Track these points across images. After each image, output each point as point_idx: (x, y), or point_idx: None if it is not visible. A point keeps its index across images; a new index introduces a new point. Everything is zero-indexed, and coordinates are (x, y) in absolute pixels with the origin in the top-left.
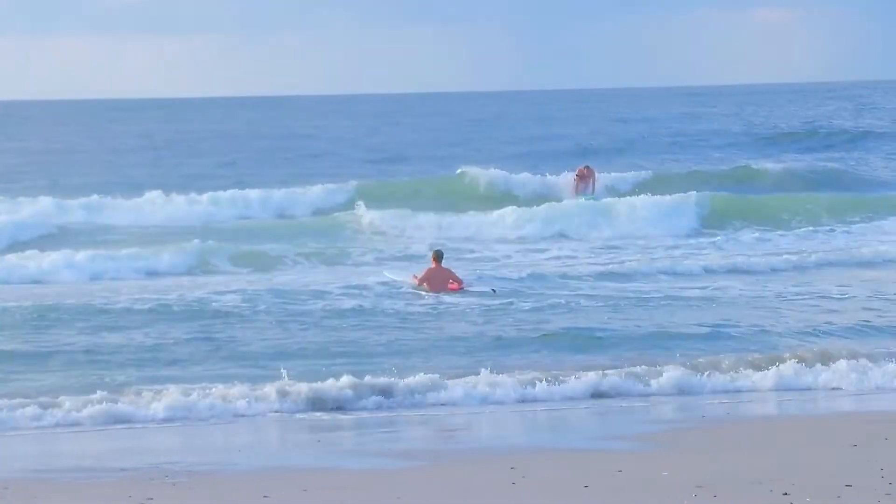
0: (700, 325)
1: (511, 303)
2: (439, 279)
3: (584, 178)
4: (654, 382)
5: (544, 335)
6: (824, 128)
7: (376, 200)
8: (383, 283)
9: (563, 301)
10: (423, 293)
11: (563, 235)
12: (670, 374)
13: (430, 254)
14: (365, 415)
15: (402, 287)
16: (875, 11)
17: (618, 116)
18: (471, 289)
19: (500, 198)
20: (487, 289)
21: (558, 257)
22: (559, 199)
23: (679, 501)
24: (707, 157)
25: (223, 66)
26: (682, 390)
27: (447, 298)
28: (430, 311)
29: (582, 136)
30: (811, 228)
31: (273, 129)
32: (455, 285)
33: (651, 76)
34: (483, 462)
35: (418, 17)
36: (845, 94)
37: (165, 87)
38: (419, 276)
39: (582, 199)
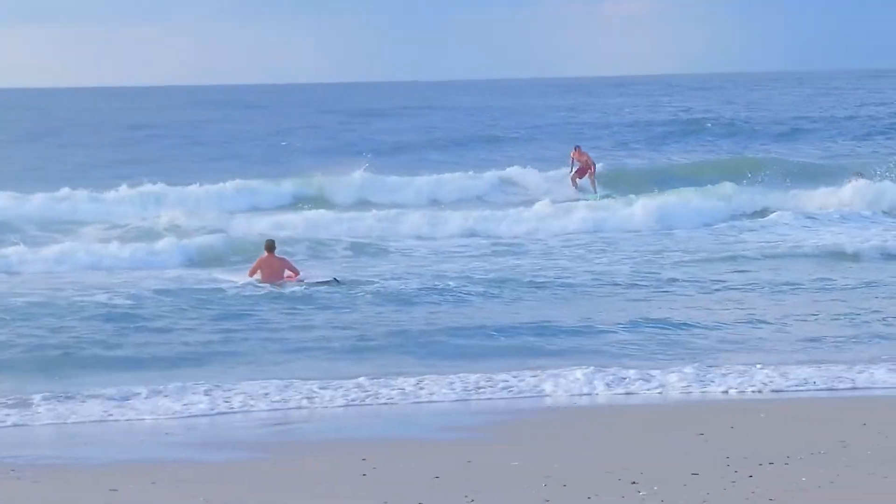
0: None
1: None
2: (272, 269)
3: (583, 169)
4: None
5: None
6: (710, 119)
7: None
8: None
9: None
10: (257, 284)
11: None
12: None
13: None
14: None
15: (237, 284)
16: (725, 5)
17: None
18: (310, 280)
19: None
20: (329, 278)
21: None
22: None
23: (529, 491)
24: (610, 148)
25: (82, 56)
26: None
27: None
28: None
29: (459, 127)
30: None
31: (152, 120)
32: (292, 276)
33: (511, 68)
34: (334, 454)
35: (281, 8)
36: (706, 86)
37: (17, 77)
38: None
39: (589, 199)
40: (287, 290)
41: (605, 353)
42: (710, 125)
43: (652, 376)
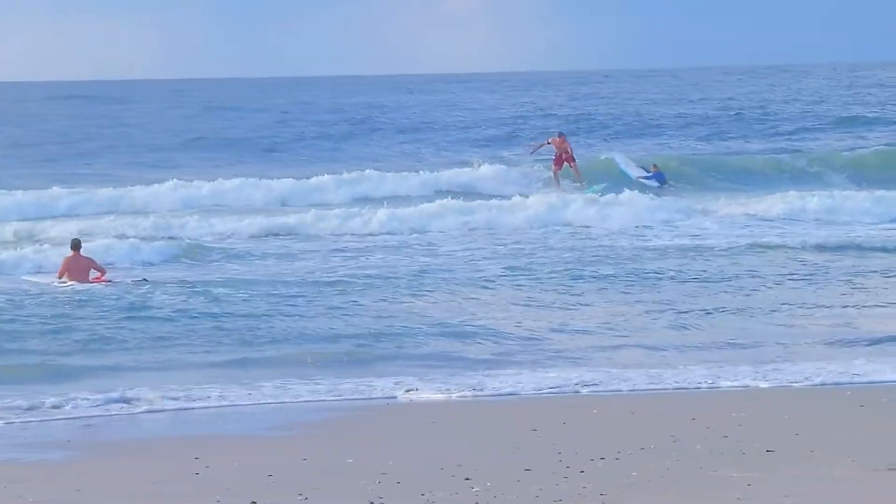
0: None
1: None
2: (78, 268)
3: (559, 158)
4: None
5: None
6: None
7: None
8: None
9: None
10: (66, 284)
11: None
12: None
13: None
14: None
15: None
16: (560, 3)
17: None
18: (117, 281)
19: None
20: (139, 279)
21: None
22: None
23: (363, 488)
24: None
25: None
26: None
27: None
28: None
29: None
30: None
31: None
32: (99, 276)
33: (347, 66)
34: (167, 453)
35: (111, 3)
36: (548, 82)
37: None
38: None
39: (586, 193)
40: (111, 291)
41: (436, 354)
42: (575, 122)
43: (487, 374)
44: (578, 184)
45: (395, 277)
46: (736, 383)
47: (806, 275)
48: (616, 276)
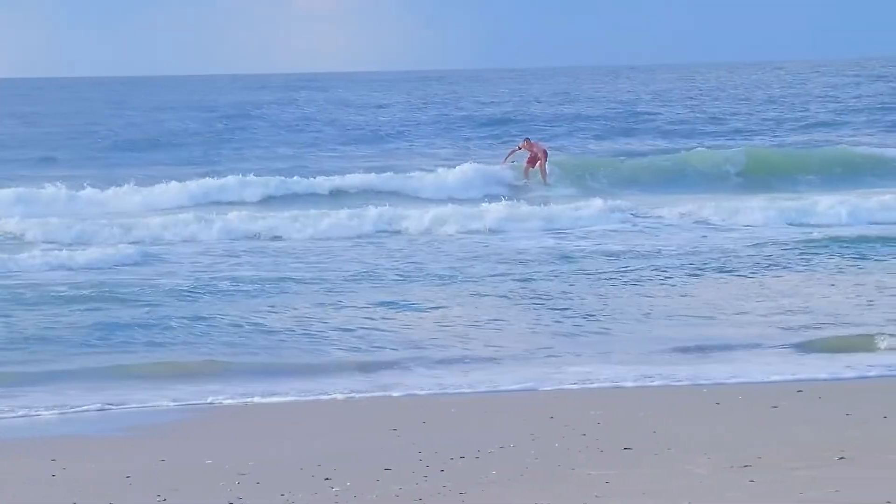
0: None
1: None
2: None
3: (533, 157)
4: None
5: None
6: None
7: None
8: None
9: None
10: None
11: None
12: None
13: None
14: None
15: None
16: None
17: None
18: None
19: None
20: None
21: None
22: None
23: (223, 489)
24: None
25: None
26: None
27: None
28: None
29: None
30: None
31: None
32: None
33: (202, 65)
34: (21, 455)
35: None
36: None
37: None
38: None
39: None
40: None
41: (296, 358)
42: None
43: (346, 376)
44: (543, 181)
45: (264, 284)
46: (596, 384)
47: (678, 278)
48: (502, 277)
